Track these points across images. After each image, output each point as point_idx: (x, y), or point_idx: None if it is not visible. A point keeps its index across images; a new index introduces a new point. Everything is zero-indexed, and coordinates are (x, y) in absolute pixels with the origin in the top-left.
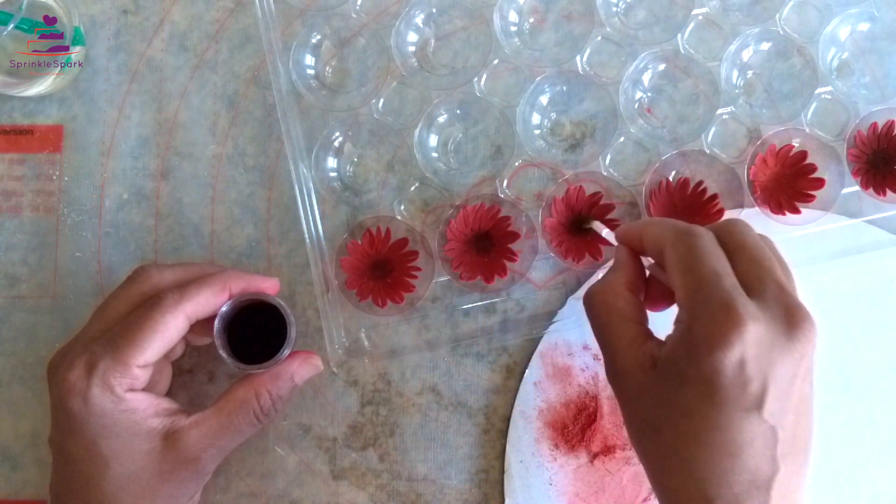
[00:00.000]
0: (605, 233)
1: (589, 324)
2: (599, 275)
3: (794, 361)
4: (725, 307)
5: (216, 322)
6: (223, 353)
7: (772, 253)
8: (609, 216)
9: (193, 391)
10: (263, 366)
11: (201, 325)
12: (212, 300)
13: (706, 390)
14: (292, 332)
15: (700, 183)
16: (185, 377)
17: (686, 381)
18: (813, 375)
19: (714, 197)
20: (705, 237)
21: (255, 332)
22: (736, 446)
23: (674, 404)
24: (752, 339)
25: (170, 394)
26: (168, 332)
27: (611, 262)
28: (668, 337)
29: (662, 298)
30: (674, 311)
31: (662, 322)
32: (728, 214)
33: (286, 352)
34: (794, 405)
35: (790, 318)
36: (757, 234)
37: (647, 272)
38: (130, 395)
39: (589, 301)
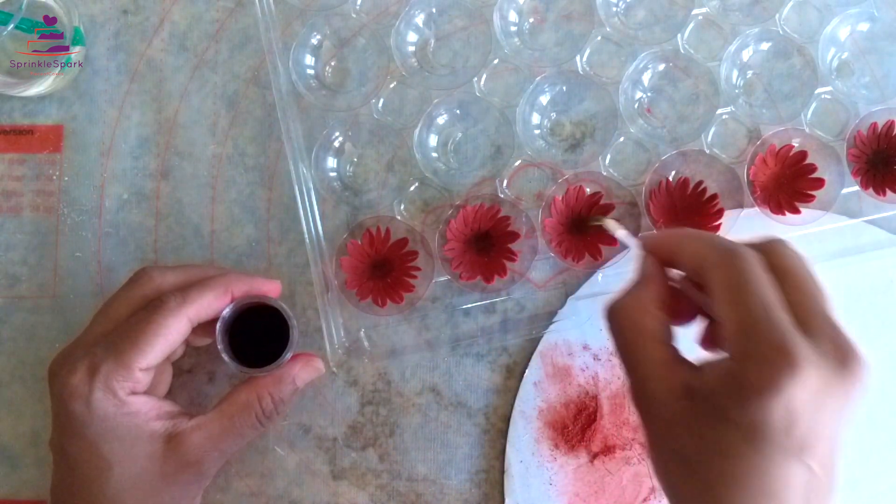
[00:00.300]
0: (621, 233)
1: (613, 342)
2: (599, 278)
3: (842, 405)
4: (779, 349)
5: (218, 325)
6: (225, 357)
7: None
8: (609, 216)
9: (193, 391)
10: (266, 369)
11: (203, 327)
12: (214, 303)
13: (750, 434)
14: (294, 334)
15: (700, 183)
16: (185, 377)
17: (728, 420)
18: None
19: (714, 197)
20: (753, 260)
21: (257, 334)
22: (774, 489)
23: (711, 441)
24: (805, 384)
25: (170, 394)
26: (170, 335)
27: (609, 266)
28: (708, 367)
29: (688, 314)
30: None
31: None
32: (728, 214)
33: (288, 355)
34: (831, 445)
35: (843, 358)
36: (803, 258)
37: (673, 285)
38: (132, 399)
39: (614, 318)
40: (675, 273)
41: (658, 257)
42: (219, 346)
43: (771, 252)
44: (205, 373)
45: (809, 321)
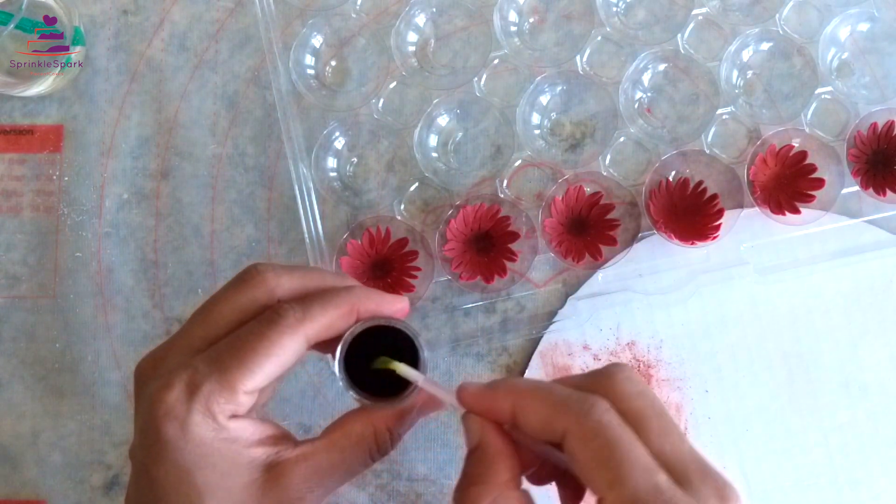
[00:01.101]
0: (422, 381)
1: None
2: (599, 278)
3: None
4: None
5: (339, 349)
6: (344, 385)
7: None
8: (609, 216)
9: None
10: (393, 403)
11: (319, 344)
12: (338, 323)
13: None
14: (425, 365)
15: (700, 183)
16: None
17: None
18: None
19: (714, 197)
20: (610, 412)
21: (372, 355)
22: None
23: None
24: None
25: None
26: (285, 356)
27: (609, 266)
28: None
29: (548, 477)
30: None
31: None
32: (728, 214)
33: (418, 388)
34: None
35: (725, 500)
36: (646, 389)
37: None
38: (233, 423)
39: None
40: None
41: (483, 415)
42: (337, 374)
43: (616, 394)
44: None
45: (685, 472)
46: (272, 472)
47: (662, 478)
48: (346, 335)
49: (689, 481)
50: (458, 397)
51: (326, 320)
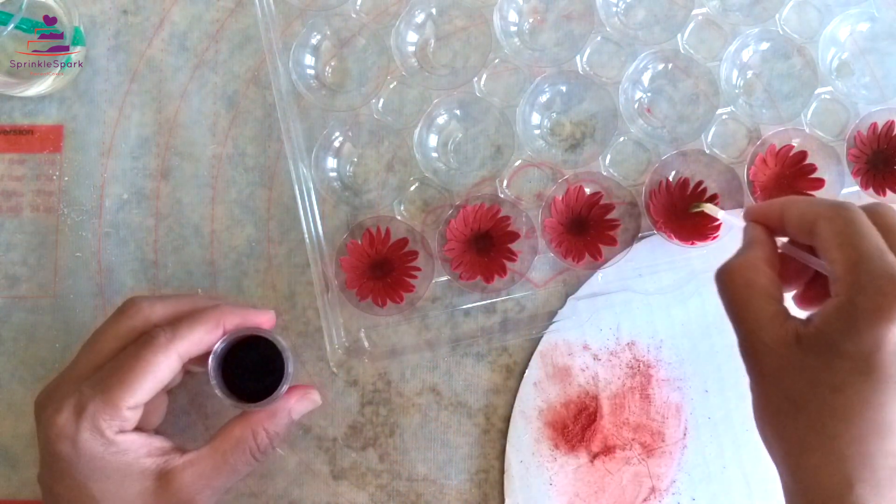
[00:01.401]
0: (722, 215)
1: (724, 299)
2: (599, 278)
3: None
4: (893, 279)
5: (210, 361)
6: (219, 392)
7: None
8: (609, 216)
9: (193, 392)
10: (261, 404)
11: (196, 358)
12: (205, 338)
13: (863, 365)
14: (290, 367)
15: (700, 183)
16: (185, 377)
17: (841, 354)
18: None
19: (714, 197)
20: (860, 212)
21: (251, 366)
22: (886, 427)
23: (822, 379)
24: None
25: (170, 393)
26: (160, 372)
27: (609, 266)
28: (817, 313)
29: (794, 277)
30: None
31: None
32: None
33: (284, 388)
34: None
35: None
36: None
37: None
38: (121, 437)
39: (727, 277)
40: (779, 240)
41: (763, 224)
42: (212, 382)
43: (873, 212)
44: (205, 372)
45: None
46: (162, 479)
47: (893, 257)
48: (215, 346)
49: None
50: (745, 212)
51: (194, 336)
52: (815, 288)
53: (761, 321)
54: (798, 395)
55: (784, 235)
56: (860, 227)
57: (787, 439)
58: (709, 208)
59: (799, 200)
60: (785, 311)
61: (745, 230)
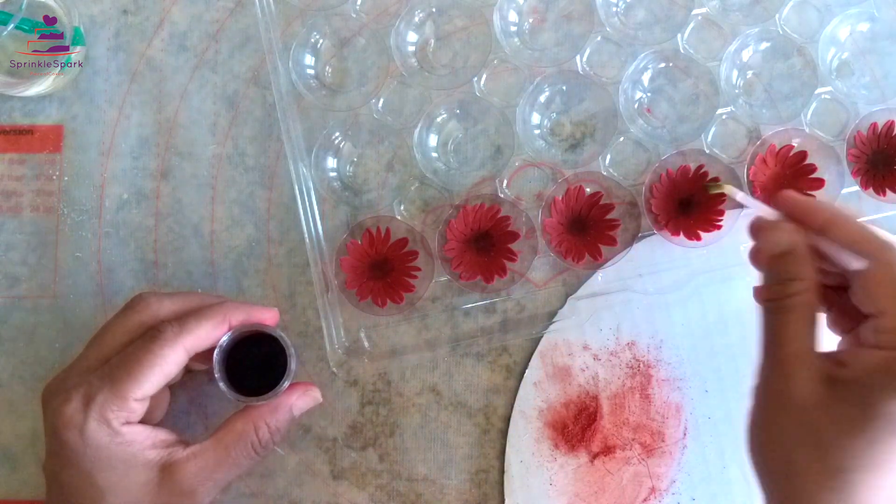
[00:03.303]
0: (741, 196)
1: (765, 319)
2: (599, 278)
3: None
4: None
5: (215, 354)
6: (223, 385)
7: None
8: (609, 216)
9: (194, 391)
10: (263, 398)
11: (201, 355)
12: (211, 333)
13: None
14: (292, 363)
15: (701, 166)
16: (185, 377)
17: (878, 411)
18: None
19: (716, 179)
20: None
21: (255, 362)
22: None
23: (853, 428)
24: None
25: (171, 392)
26: (167, 365)
27: (609, 266)
28: (853, 357)
29: (828, 302)
30: None
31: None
32: (728, 214)
33: (286, 384)
34: None
35: None
36: None
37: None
38: (127, 429)
39: (789, 298)
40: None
41: (801, 224)
42: (216, 375)
43: None
44: (205, 372)
45: None
46: (166, 470)
47: None
48: (220, 341)
49: None
50: (778, 199)
51: (201, 331)
52: (845, 313)
53: (806, 352)
54: (824, 437)
55: (814, 235)
56: None
57: (802, 476)
58: (728, 189)
59: (850, 223)
60: (819, 347)
61: (781, 233)
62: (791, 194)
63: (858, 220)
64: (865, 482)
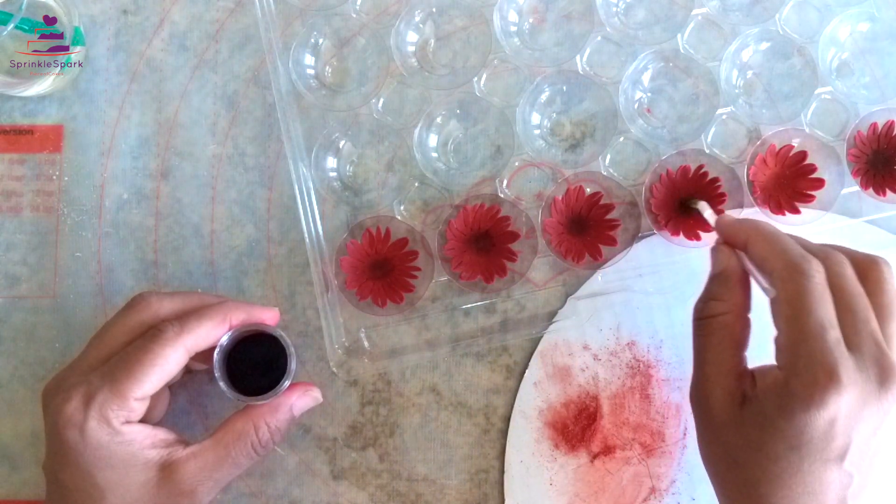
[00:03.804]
0: (708, 214)
1: (696, 339)
2: (599, 278)
3: (879, 417)
4: (827, 369)
5: (216, 354)
6: (223, 385)
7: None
8: (609, 216)
9: (194, 391)
10: (263, 398)
11: (201, 354)
12: (212, 332)
13: (794, 441)
14: (293, 363)
15: (701, 166)
16: (184, 376)
17: (775, 429)
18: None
19: (716, 180)
20: (816, 278)
21: (255, 362)
22: (814, 489)
23: (759, 447)
24: (847, 401)
25: (171, 392)
26: (168, 365)
27: (609, 266)
28: (760, 375)
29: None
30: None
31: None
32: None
33: (286, 383)
34: (871, 452)
35: (882, 376)
36: (854, 278)
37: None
38: (127, 428)
39: (708, 319)
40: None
41: (729, 242)
42: (216, 375)
43: (831, 270)
44: (205, 372)
45: (855, 338)
46: (166, 470)
47: (833, 334)
48: (221, 340)
49: (857, 348)
50: (716, 223)
51: (202, 331)
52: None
53: (717, 371)
54: (736, 454)
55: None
56: (809, 299)
57: (726, 486)
58: (700, 205)
59: (763, 238)
60: (742, 365)
61: (719, 256)
62: (724, 218)
63: (776, 235)
64: (776, 494)
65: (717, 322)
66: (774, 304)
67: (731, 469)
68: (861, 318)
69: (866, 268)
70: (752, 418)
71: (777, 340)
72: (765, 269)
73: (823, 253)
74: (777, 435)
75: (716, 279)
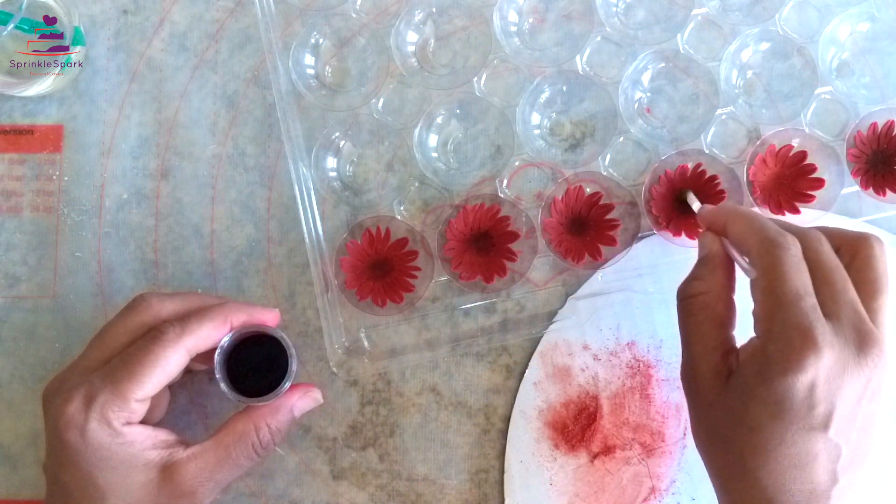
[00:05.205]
0: (696, 206)
1: (682, 321)
2: (599, 278)
3: (861, 384)
4: (803, 332)
5: (217, 355)
6: (223, 386)
7: (880, 272)
8: (609, 216)
9: (194, 391)
10: (264, 399)
11: (202, 355)
12: (213, 333)
13: (775, 409)
14: (293, 364)
15: (699, 165)
16: (185, 377)
17: (756, 398)
18: (881, 394)
19: (714, 178)
20: (792, 250)
21: (255, 363)
22: (800, 460)
23: (742, 419)
24: (825, 364)
25: (171, 392)
26: (168, 366)
27: (609, 266)
28: (742, 351)
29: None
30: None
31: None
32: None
33: (287, 385)
34: (858, 423)
35: (861, 342)
36: (832, 253)
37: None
38: (128, 429)
39: (689, 299)
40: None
41: (712, 230)
42: (217, 376)
43: (807, 246)
44: (205, 372)
45: (833, 307)
46: (166, 471)
47: (809, 301)
48: (222, 341)
49: (834, 315)
50: (698, 212)
51: (202, 332)
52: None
53: (704, 350)
54: (724, 430)
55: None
56: (784, 269)
57: (716, 464)
58: (690, 197)
59: (740, 218)
60: (729, 342)
61: (703, 241)
62: (706, 206)
63: (753, 215)
64: (762, 467)
65: (698, 301)
66: (753, 280)
67: (718, 446)
68: (839, 289)
69: (856, 245)
70: (734, 390)
71: (755, 312)
72: (743, 249)
73: (800, 231)
74: (758, 403)
75: (699, 263)
